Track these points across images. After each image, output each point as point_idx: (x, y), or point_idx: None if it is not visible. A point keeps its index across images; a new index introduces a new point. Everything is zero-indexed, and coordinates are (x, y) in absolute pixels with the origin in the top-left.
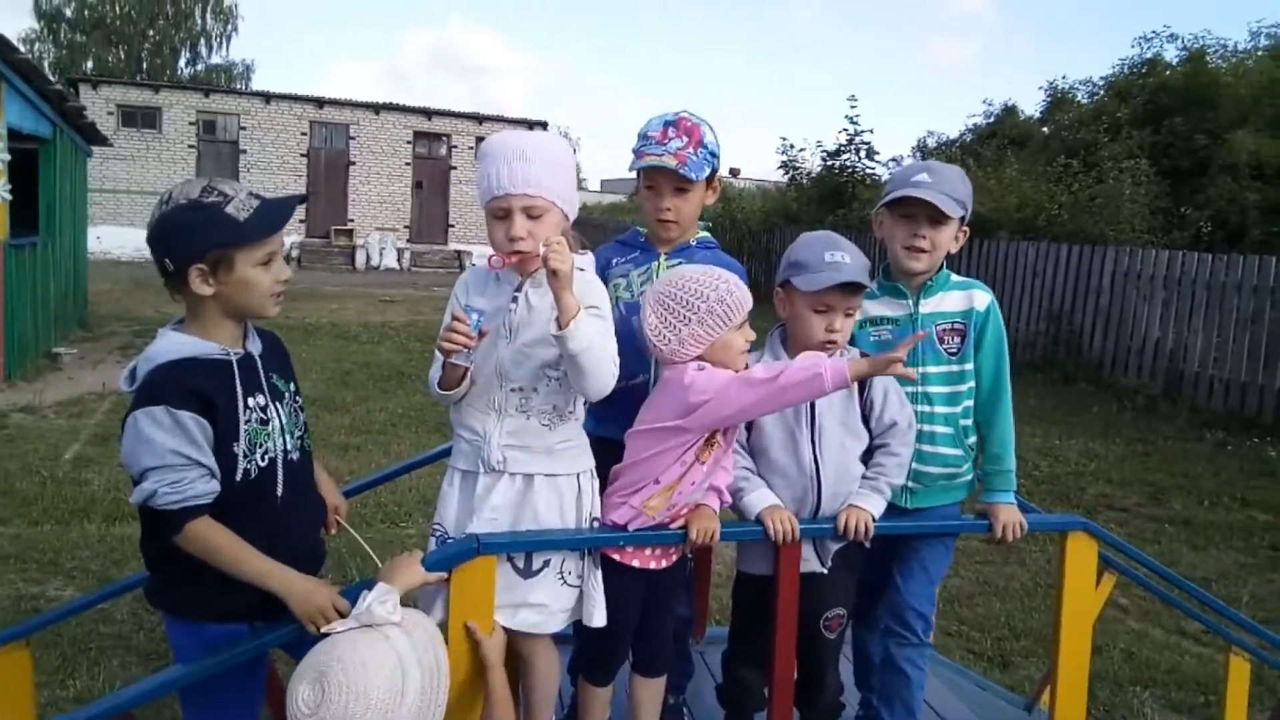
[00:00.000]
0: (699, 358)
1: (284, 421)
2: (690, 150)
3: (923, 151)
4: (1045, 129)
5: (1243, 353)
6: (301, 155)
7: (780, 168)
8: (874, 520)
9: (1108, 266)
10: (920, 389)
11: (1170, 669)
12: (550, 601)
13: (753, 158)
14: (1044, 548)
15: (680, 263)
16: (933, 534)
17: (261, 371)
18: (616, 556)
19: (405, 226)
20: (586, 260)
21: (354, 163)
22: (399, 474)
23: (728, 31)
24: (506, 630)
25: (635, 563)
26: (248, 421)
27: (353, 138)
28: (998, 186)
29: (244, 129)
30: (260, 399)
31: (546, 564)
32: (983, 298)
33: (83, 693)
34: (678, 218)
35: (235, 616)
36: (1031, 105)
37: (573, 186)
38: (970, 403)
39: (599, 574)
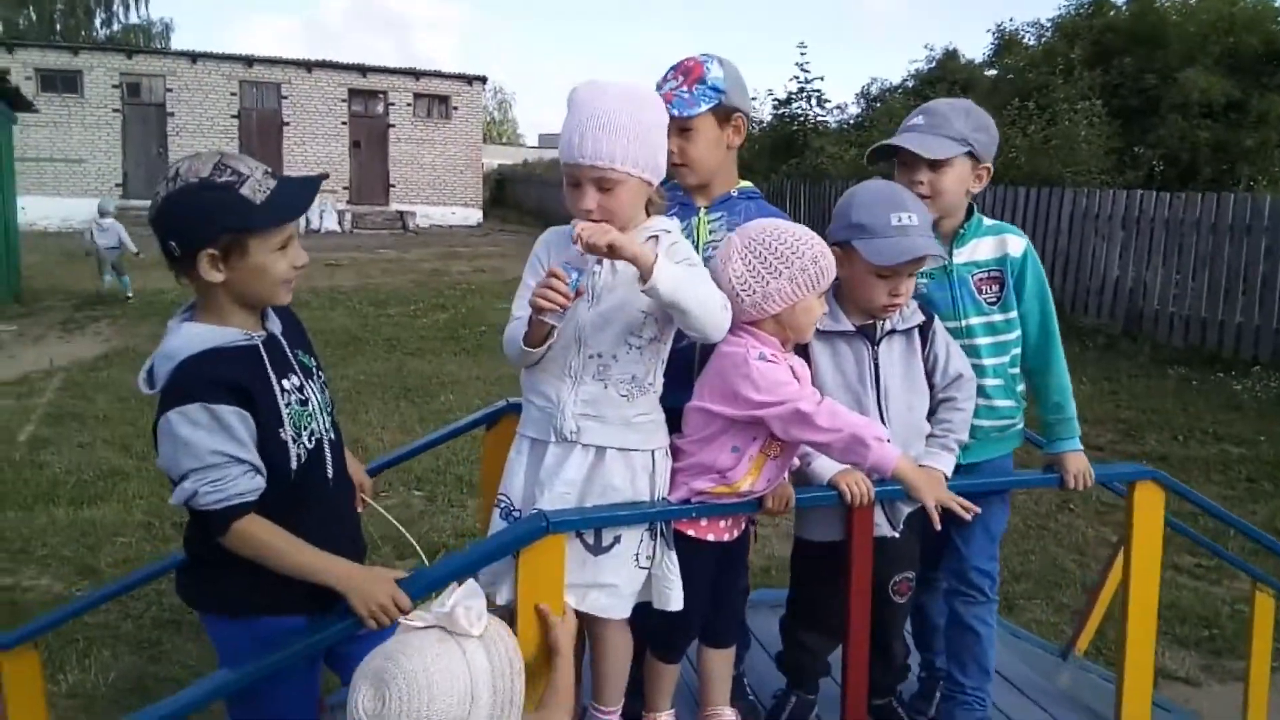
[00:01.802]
0: (774, 318)
1: (319, 399)
2: (684, 89)
3: (867, 99)
4: (993, 72)
5: (1202, 289)
6: (232, 117)
7: None
8: (946, 479)
9: (1065, 208)
10: (965, 341)
11: (1170, 604)
12: (622, 583)
13: None
14: (1030, 489)
15: (722, 215)
16: (994, 490)
17: (288, 350)
18: (691, 531)
19: (344, 188)
20: (672, 223)
21: (288, 123)
22: (432, 445)
23: None
24: (575, 612)
25: (710, 536)
26: (288, 405)
27: (285, 97)
28: None
29: (170, 91)
30: (294, 379)
31: (617, 540)
32: (1017, 243)
33: (75, 687)
34: (684, 159)
35: (292, 608)
36: (973, 50)
37: (658, 148)
38: (1018, 351)
39: (673, 554)
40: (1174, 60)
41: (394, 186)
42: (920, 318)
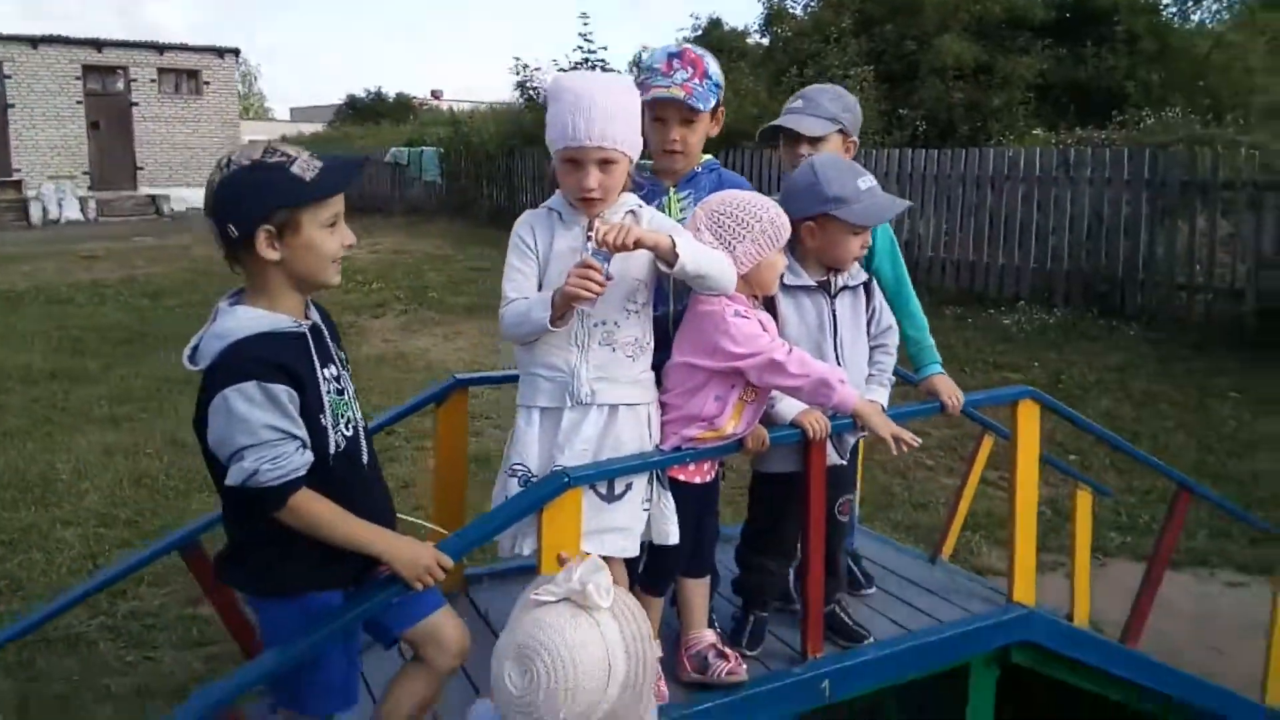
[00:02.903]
0: (742, 277)
1: (351, 389)
2: (696, 81)
3: (638, 67)
4: (764, 40)
5: (969, 236)
6: None
7: (516, 89)
8: (884, 410)
9: None
10: None
11: (987, 513)
12: (632, 524)
13: (469, 78)
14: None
15: (689, 193)
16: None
17: (330, 341)
18: (681, 476)
19: (84, 173)
20: (634, 199)
21: (13, 105)
22: (382, 427)
23: None
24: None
25: (697, 479)
26: (328, 393)
27: (8, 76)
28: (734, 97)
29: None
30: (333, 369)
31: (629, 488)
32: None
33: None
34: (684, 148)
35: (337, 583)
36: (738, 19)
37: (639, 130)
38: None
39: (669, 495)
40: (929, 27)
41: (142, 169)
42: (864, 276)
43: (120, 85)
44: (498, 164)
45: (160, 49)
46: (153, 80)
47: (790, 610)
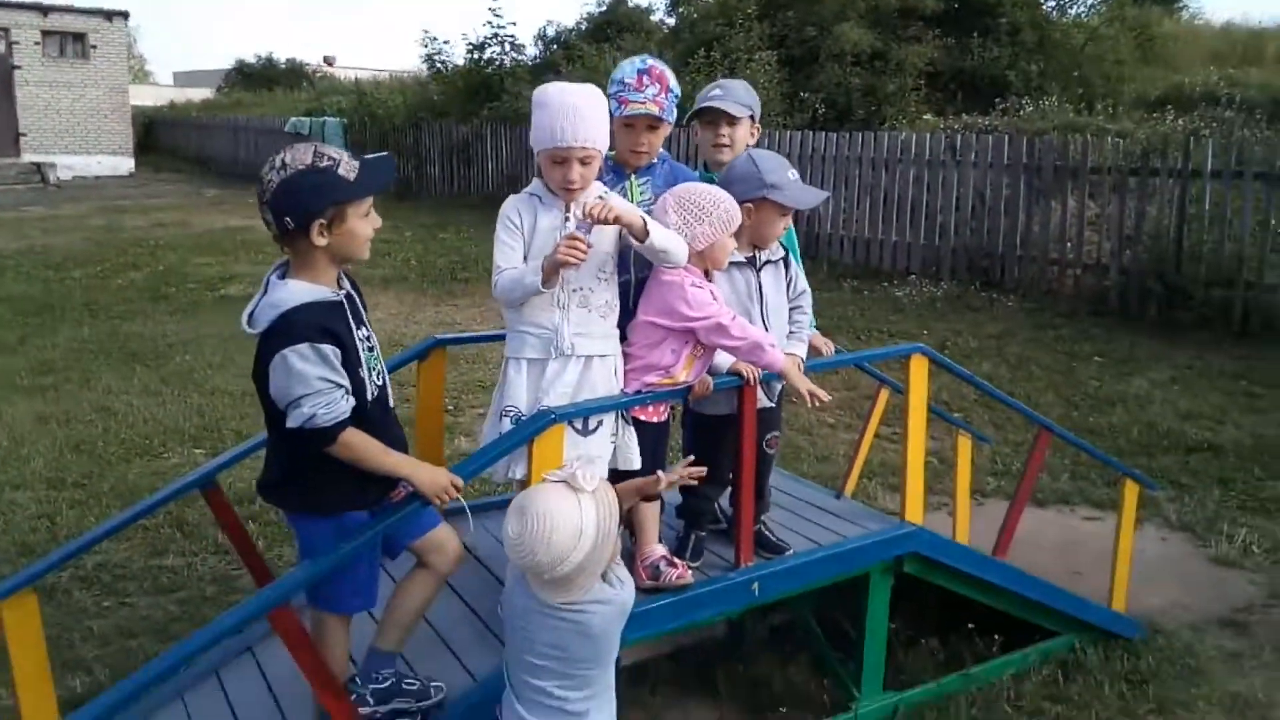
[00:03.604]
0: (698, 254)
1: (378, 347)
2: (664, 96)
3: (544, 41)
4: (670, 20)
5: (865, 214)
6: None
7: (424, 61)
8: (803, 361)
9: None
10: None
11: (882, 463)
12: (602, 454)
13: (361, 44)
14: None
15: (647, 180)
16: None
17: (361, 306)
18: (641, 416)
19: None
20: (601, 186)
21: None
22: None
23: None
24: None
25: (654, 418)
26: (363, 350)
27: None
28: None
29: None
30: (364, 331)
31: (600, 424)
32: None
33: None
34: (649, 150)
35: (366, 504)
36: None
37: (608, 129)
38: None
39: (632, 429)
40: (828, 15)
41: (25, 135)
42: (781, 252)
43: (1, 48)
44: (405, 136)
45: (44, 10)
46: (36, 43)
47: (720, 529)
